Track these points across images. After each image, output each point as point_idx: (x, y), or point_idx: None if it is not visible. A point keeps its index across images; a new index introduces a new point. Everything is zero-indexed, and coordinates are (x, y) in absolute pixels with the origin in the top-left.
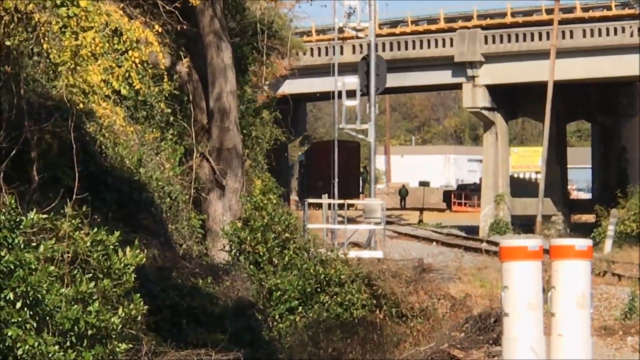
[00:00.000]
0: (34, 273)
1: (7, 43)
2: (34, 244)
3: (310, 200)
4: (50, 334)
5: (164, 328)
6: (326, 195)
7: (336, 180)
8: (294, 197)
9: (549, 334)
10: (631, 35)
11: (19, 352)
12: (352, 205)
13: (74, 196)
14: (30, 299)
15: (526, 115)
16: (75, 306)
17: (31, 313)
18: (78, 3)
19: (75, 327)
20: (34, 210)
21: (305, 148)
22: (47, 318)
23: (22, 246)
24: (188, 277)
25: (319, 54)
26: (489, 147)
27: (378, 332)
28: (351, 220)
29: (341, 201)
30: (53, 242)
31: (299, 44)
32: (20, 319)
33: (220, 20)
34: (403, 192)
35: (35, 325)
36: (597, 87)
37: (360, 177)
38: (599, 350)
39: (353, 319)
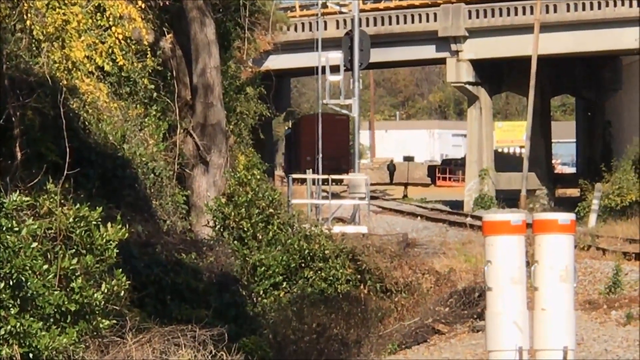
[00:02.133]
0: (17, 254)
1: None
2: (16, 228)
3: (295, 176)
4: (32, 315)
5: (148, 304)
6: (311, 170)
7: (320, 154)
8: (278, 172)
9: (533, 308)
10: (615, 7)
11: (1, 332)
12: (340, 180)
13: (64, 173)
14: (13, 280)
15: (510, 89)
16: (57, 292)
17: (12, 294)
18: None
19: (58, 310)
20: (17, 190)
21: (290, 123)
22: (29, 301)
23: (4, 228)
24: (172, 252)
25: (303, 29)
26: (473, 122)
27: (362, 307)
28: (335, 196)
29: (324, 176)
30: (35, 221)
31: (282, 18)
32: (2, 298)
33: None
34: (391, 167)
35: (18, 304)
36: (582, 61)
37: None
38: (583, 324)
39: (337, 294)
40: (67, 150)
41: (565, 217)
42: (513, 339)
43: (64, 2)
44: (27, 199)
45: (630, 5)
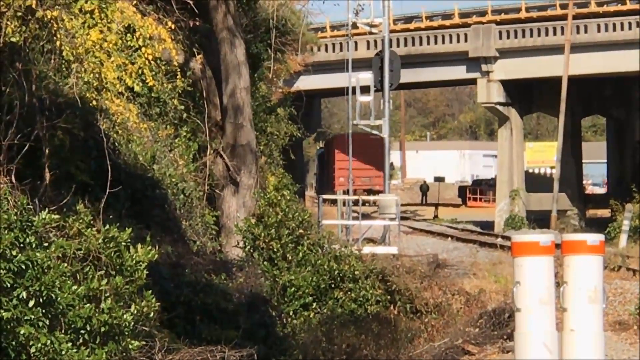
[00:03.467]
0: (46, 272)
1: (14, 39)
2: (46, 244)
3: (325, 196)
4: (62, 332)
5: (177, 325)
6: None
7: (351, 175)
8: (309, 193)
9: (562, 330)
10: None
11: (32, 349)
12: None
13: (102, 195)
14: (43, 297)
15: (541, 110)
16: (88, 305)
17: (44, 311)
18: None
19: (88, 324)
20: (46, 209)
21: (321, 143)
22: (60, 316)
23: (33, 245)
24: (202, 273)
25: (333, 50)
26: (504, 142)
27: (392, 327)
28: (366, 216)
29: (355, 197)
30: (64, 240)
31: (313, 39)
32: (33, 317)
33: (233, 16)
34: (424, 188)
35: (47, 323)
36: (611, 81)
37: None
38: (613, 345)
39: (367, 314)
40: (102, 171)
41: (594, 238)
42: None
43: (95, 23)
44: (57, 216)
45: None
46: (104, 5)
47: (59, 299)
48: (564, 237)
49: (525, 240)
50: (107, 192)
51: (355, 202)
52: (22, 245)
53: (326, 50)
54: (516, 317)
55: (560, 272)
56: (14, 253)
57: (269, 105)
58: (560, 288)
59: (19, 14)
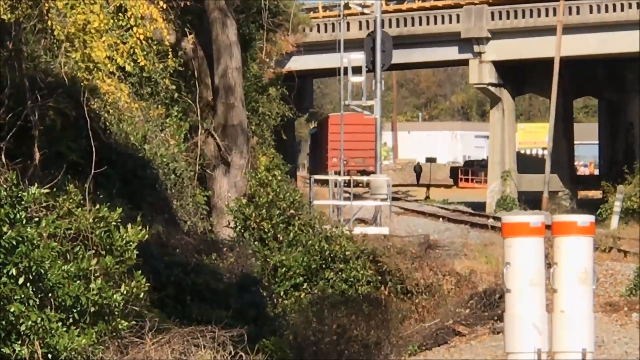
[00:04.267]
0: (36, 249)
1: (4, 17)
2: (36, 220)
3: (316, 177)
4: (52, 310)
5: (167, 304)
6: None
7: (342, 155)
8: (301, 173)
9: (552, 311)
10: (638, 9)
11: (22, 327)
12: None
13: (91, 174)
14: (33, 274)
15: (533, 91)
16: (77, 282)
17: (34, 289)
18: None
19: (78, 303)
20: (36, 185)
21: (314, 123)
22: (50, 294)
23: (24, 222)
24: (192, 253)
25: (325, 30)
26: (496, 124)
27: (383, 308)
28: (358, 197)
29: (346, 177)
30: (55, 217)
31: (305, 19)
32: (23, 295)
33: None
34: (417, 169)
35: (37, 301)
36: (604, 63)
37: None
38: (603, 326)
39: (358, 295)
40: (97, 150)
41: (584, 219)
42: (532, 341)
43: (85, 2)
44: (46, 191)
45: None
46: None
47: (49, 275)
48: (554, 218)
49: (515, 221)
50: (94, 172)
51: (348, 183)
52: (12, 221)
53: (318, 30)
54: (506, 298)
55: (551, 253)
56: (4, 229)
57: (261, 85)
58: (550, 269)
59: None
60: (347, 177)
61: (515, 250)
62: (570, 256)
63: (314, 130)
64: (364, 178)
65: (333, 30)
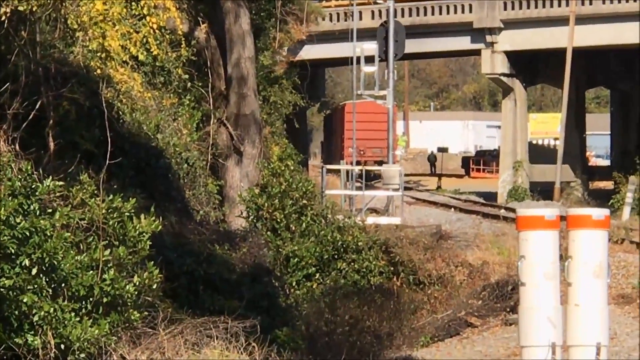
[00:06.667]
0: (49, 240)
1: (21, 8)
2: (50, 211)
3: (329, 167)
4: (65, 300)
5: (180, 295)
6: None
7: (354, 145)
8: (312, 162)
9: (566, 304)
10: None
11: (35, 318)
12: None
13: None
14: (46, 265)
15: (545, 81)
16: (91, 272)
17: (47, 279)
18: None
19: (91, 294)
20: (50, 177)
21: (325, 113)
22: (63, 284)
23: (37, 213)
24: (205, 243)
25: (338, 20)
26: (508, 114)
27: (395, 299)
28: (370, 186)
29: (358, 167)
30: (68, 209)
31: (317, 9)
32: (36, 285)
33: None
34: (432, 158)
35: (50, 292)
36: (617, 53)
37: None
38: (616, 318)
39: (370, 286)
40: (107, 140)
41: (599, 213)
42: (546, 334)
43: None
44: (60, 183)
45: None
46: None
47: (62, 266)
48: (569, 211)
49: (530, 214)
50: (108, 162)
51: (360, 174)
52: (25, 212)
53: (330, 19)
54: (521, 292)
55: (564, 245)
56: (17, 220)
57: (273, 75)
58: (564, 262)
59: None
60: (360, 167)
61: (530, 243)
62: (585, 250)
63: (328, 118)
64: (376, 168)
65: (345, 20)
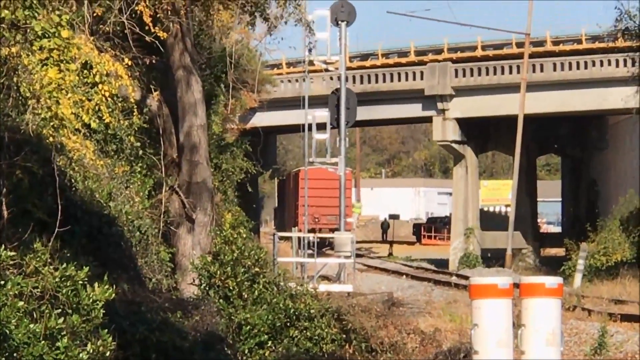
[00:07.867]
0: (2, 309)
1: None
2: (2, 282)
3: (281, 234)
4: None
5: None
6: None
7: (306, 212)
8: (264, 229)
9: None
10: (601, 67)
11: None
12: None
13: (55, 231)
14: None
15: (496, 148)
16: (42, 342)
17: None
18: (60, 35)
19: None
20: (3, 246)
21: (278, 179)
22: (14, 354)
23: None
24: (157, 311)
25: (289, 86)
26: (459, 181)
27: None
28: (321, 253)
29: (311, 235)
30: (21, 278)
31: (268, 77)
32: None
33: (190, 54)
34: (385, 226)
35: None
36: (567, 120)
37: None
38: None
39: (323, 353)
40: (58, 208)
41: (552, 281)
42: None
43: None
44: (13, 253)
45: (617, 65)
46: (64, 45)
47: (14, 335)
48: (523, 279)
49: (483, 283)
50: (60, 230)
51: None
52: None
53: (282, 87)
54: (474, 359)
55: (517, 312)
56: None
57: (224, 142)
58: (517, 330)
59: None
60: (313, 235)
61: (483, 312)
62: (538, 318)
63: (281, 185)
64: (328, 235)
65: (297, 86)
